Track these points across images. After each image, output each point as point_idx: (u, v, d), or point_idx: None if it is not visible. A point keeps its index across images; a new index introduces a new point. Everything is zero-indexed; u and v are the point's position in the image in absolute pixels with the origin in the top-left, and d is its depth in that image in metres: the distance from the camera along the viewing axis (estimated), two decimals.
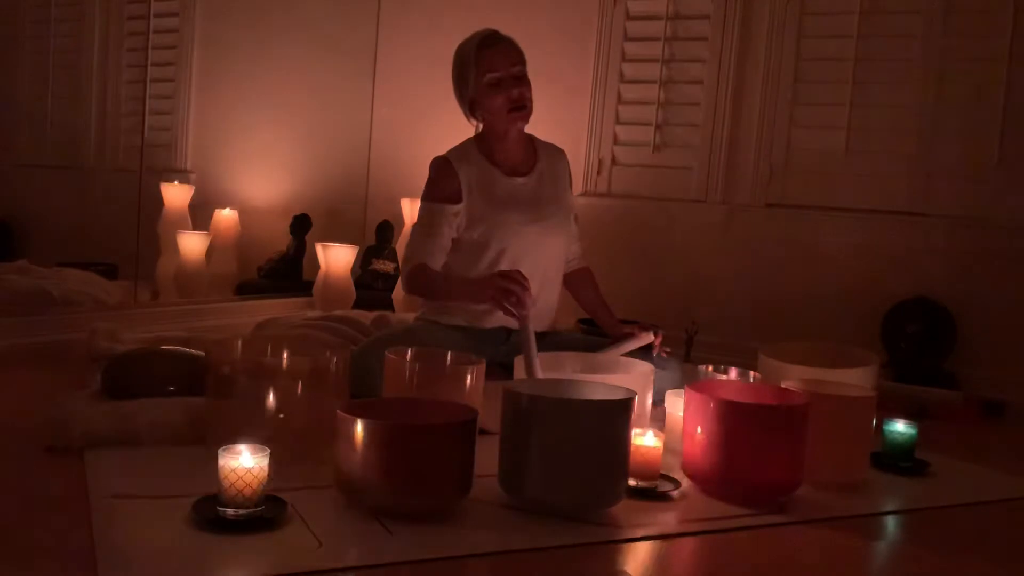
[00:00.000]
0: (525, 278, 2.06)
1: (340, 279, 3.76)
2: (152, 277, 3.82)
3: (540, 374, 1.98)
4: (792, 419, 1.72)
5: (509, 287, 2.04)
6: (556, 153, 2.55)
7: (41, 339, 2.86)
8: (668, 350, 2.44)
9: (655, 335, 2.39)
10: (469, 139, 2.45)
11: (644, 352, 2.36)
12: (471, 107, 2.39)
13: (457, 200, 2.35)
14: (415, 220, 2.42)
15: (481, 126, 2.44)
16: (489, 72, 2.32)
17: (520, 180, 2.43)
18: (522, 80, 2.35)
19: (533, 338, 2.03)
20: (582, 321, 2.97)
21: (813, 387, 1.93)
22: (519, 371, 2.01)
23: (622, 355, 2.30)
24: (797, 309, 3.26)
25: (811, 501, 1.76)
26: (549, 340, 2.43)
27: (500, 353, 2.38)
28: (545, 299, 2.44)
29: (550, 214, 2.44)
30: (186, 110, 4.08)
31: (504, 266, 2.32)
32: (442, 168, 2.38)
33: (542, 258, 2.38)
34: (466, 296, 2.29)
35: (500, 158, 2.42)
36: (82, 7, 3.92)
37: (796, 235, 3.30)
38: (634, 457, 1.67)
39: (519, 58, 2.37)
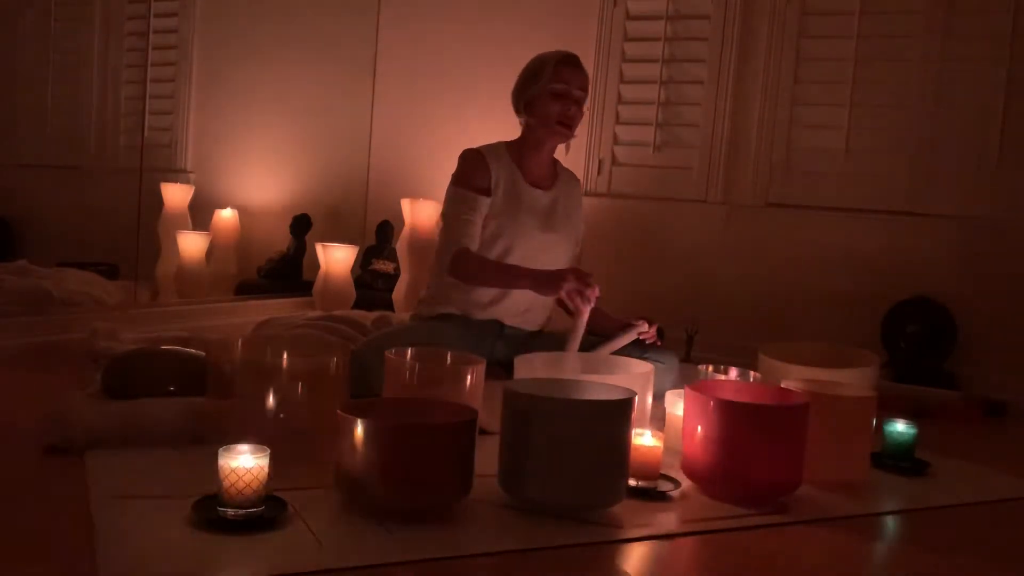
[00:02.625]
0: (593, 280, 2.21)
1: (340, 279, 3.76)
2: (152, 277, 3.82)
3: (574, 351, 2.21)
4: (792, 419, 1.72)
5: (582, 289, 2.18)
6: (574, 180, 2.67)
7: (41, 339, 2.86)
8: (660, 341, 2.46)
9: (648, 326, 2.40)
10: (500, 142, 2.54)
11: (638, 344, 2.37)
12: (526, 106, 2.47)
13: (489, 193, 2.44)
14: (449, 205, 2.46)
15: (521, 131, 2.52)
16: (559, 82, 2.42)
17: (539, 192, 2.52)
18: (580, 104, 2.46)
19: (583, 327, 2.24)
20: None
21: (813, 387, 1.93)
22: (520, 371, 2.02)
23: (617, 349, 2.31)
24: (797, 309, 3.27)
25: (811, 501, 1.76)
26: (548, 340, 2.44)
27: (497, 349, 2.40)
28: (541, 304, 2.51)
29: (560, 227, 2.54)
30: (186, 110, 4.08)
31: (510, 262, 2.42)
32: (478, 160, 2.46)
33: (546, 263, 2.41)
34: (531, 283, 2.32)
35: (527, 167, 2.51)
36: (82, 7, 3.92)
37: (796, 235, 3.30)
38: (634, 457, 1.67)
39: (586, 88, 2.49)
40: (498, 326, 2.47)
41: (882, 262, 3.15)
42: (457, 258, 2.38)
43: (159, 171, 3.93)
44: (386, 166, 4.13)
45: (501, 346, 2.43)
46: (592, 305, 2.21)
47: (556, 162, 2.61)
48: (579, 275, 2.21)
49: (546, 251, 2.47)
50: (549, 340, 2.45)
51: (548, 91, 2.42)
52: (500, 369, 2.26)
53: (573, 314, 2.26)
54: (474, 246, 2.40)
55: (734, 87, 3.39)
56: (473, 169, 2.45)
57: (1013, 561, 1.62)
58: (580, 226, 2.66)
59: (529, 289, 2.37)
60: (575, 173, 2.72)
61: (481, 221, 2.42)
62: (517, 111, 2.50)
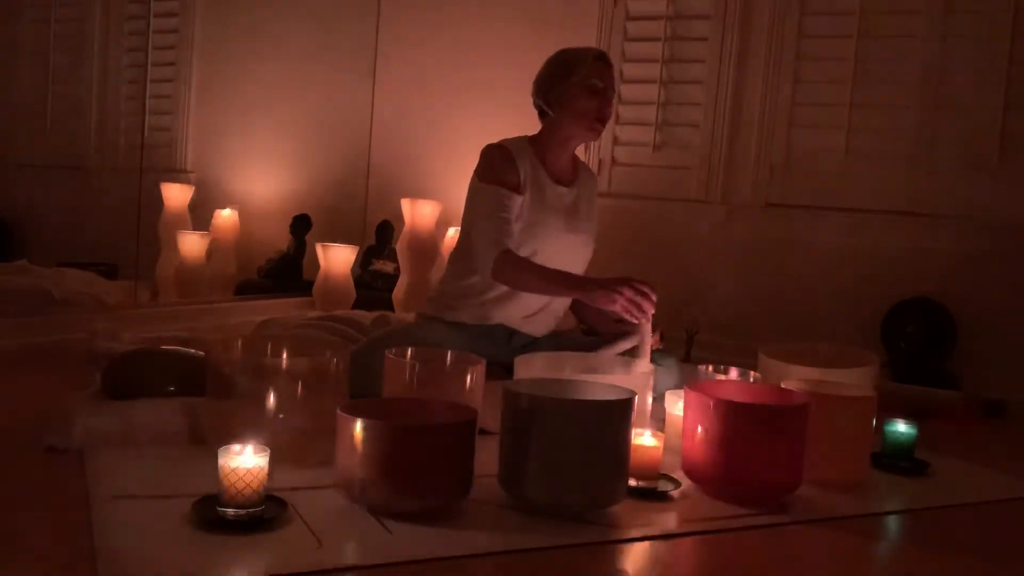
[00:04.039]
0: (654, 291, 2.10)
1: (340, 279, 3.76)
2: (152, 277, 3.82)
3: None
4: (792, 419, 1.72)
5: (639, 300, 2.08)
6: (592, 175, 2.58)
7: (41, 339, 2.86)
8: (661, 344, 2.44)
9: (655, 334, 2.39)
10: (522, 137, 2.42)
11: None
12: (557, 100, 2.34)
13: (519, 192, 2.32)
14: (481, 204, 2.31)
15: (543, 127, 2.41)
16: (597, 79, 2.32)
17: (563, 190, 2.41)
18: (612, 104, 2.38)
19: (648, 341, 2.18)
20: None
21: (813, 387, 1.93)
22: (520, 371, 2.01)
23: (619, 353, 2.30)
24: (797, 309, 3.26)
25: (811, 501, 1.76)
26: (549, 341, 2.43)
27: (502, 353, 2.37)
28: (556, 306, 2.44)
29: (582, 228, 2.45)
30: (186, 110, 4.09)
31: None
32: (506, 158, 2.33)
33: (567, 266, 2.37)
34: (583, 293, 2.21)
35: (550, 164, 2.40)
36: (82, 7, 3.92)
37: (796, 235, 3.30)
38: (634, 457, 1.67)
39: (615, 88, 2.41)
40: (506, 331, 2.43)
41: (882, 262, 3.15)
42: (501, 261, 2.22)
43: (159, 171, 3.93)
44: (386, 166, 4.13)
45: (508, 351, 2.33)
46: (653, 311, 2.11)
47: (575, 157, 2.51)
48: (635, 285, 2.09)
49: (570, 253, 2.39)
50: (555, 340, 2.42)
51: (587, 86, 2.31)
52: (501, 369, 2.24)
53: (632, 327, 2.19)
54: (514, 246, 2.26)
55: (734, 87, 3.39)
56: (502, 165, 2.32)
57: (1013, 561, 1.62)
58: (596, 222, 2.55)
59: (581, 299, 2.29)
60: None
61: (515, 220, 2.29)
62: (547, 105, 2.36)
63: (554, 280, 2.25)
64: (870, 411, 1.93)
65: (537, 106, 2.41)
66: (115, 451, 1.76)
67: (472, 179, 2.37)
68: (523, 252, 2.31)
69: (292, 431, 1.73)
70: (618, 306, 2.10)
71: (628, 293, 2.08)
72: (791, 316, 3.27)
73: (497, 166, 2.32)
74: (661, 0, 3.50)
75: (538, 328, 2.44)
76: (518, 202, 2.30)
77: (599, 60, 2.35)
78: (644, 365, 2.14)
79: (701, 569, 1.51)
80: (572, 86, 2.32)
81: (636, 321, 2.13)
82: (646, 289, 2.10)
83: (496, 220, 2.26)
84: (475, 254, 2.30)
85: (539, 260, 2.32)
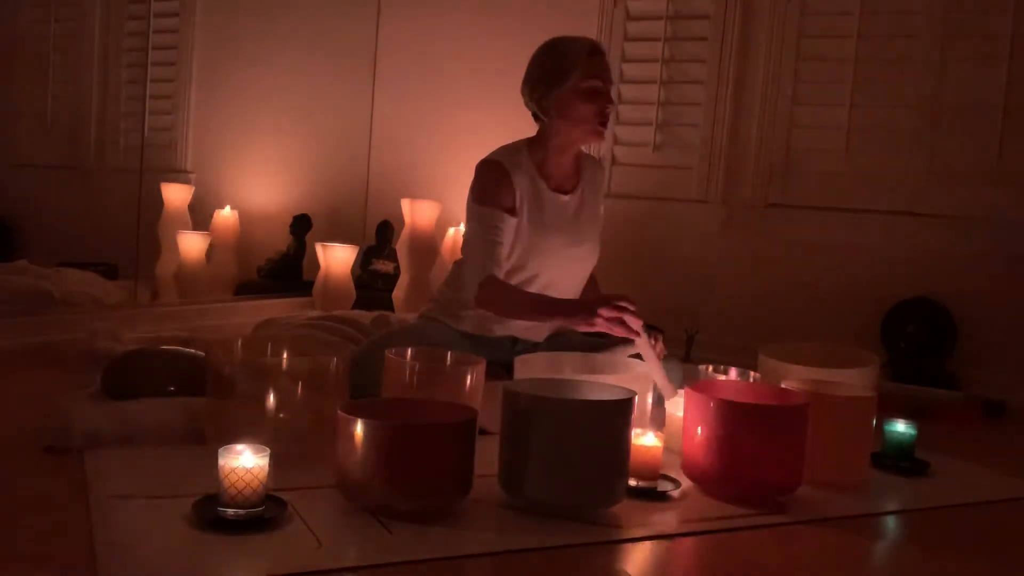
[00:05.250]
0: (633, 303, 2.02)
1: (340, 279, 3.76)
2: (152, 277, 3.82)
3: (672, 394, 2.08)
4: (792, 419, 1.72)
5: (621, 317, 1.99)
6: (597, 168, 2.44)
7: (41, 339, 2.86)
8: (665, 352, 2.43)
9: (655, 340, 2.36)
10: (520, 142, 2.29)
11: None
12: (555, 107, 2.20)
13: (515, 213, 2.21)
14: (473, 226, 2.23)
15: (540, 132, 2.28)
16: (593, 79, 2.17)
17: (565, 198, 2.29)
18: (614, 101, 2.25)
19: (655, 359, 2.07)
20: None
21: (813, 387, 1.93)
22: (520, 371, 2.01)
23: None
24: (797, 309, 3.26)
25: (811, 501, 1.76)
26: (551, 343, 2.42)
27: (505, 357, 2.35)
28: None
29: (587, 238, 2.35)
30: (186, 110, 4.09)
31: (534, 289, 2.26)
32: (501, 176, 2.20)
33: (572, 282, 2.34)
34: (563, 318, 2.16)
35: (550, 171, 2.28)
36: (82, 7, 3.92)
37: (796, 235, 3.30)
38: (634, 457, 1.67)
39: (611, 77, 2.25)
40: (510, 340, 2.38)
41: (882, 262, 3.15)
42: (485, 288, 2.14)
43: (159, 171, 3.93)
44: (386, 166, 4.13)
45: (510, 356, 2.33)
46: (641, 323, 2.01)
47: (579, 154, 2.34)
48: (611, 304, 2.00)
49: (572, 269, 2.33)
50: (556, 341, 2.41)
51: (583, 89, 2.16)
52: (501, 369, 2.24)
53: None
54: (502, 271, 2.18)
55: (734, 87, 3.39)
56: (496, 186, 2.19)
57: (1013, 561, 1.62)
58: (602, 217, 2.42)
59: (562, 323, 2.24)
60: (601, 162, 2.51)
61: (509, 242, 2.20)
62: (542, 111, 2.22)
63: (535, 307, 2.18)
64: (870, 411, 1.93)
65: (530, 108, 2.29)
66: (115, 451, 1.76)
67: (468, 196, 2.27)
68: (523, 274, 2.25)
69: (292, 431, 1.73)
70: (599, 327, 2.03)
71: (605, 312, 2.00)
72: (791, 316, 3.27)
73: (491, 187, 2.20)
74: (661, 0, 3.50)
75: (540, 335, 2.43)
76: (512, 224, 2.20)
77: (593, 55, 2.20)
78: (665, 387, 2.08)
79: (701, 569, 1.51)
80: (568, 91, 2.18)
81: (625, 336, 2.05)
82: (623, 303, 2.00)
83: (485, 244, 2.18)
84: (464, 277, 2.25)
85: (540, 280, 2.27)
